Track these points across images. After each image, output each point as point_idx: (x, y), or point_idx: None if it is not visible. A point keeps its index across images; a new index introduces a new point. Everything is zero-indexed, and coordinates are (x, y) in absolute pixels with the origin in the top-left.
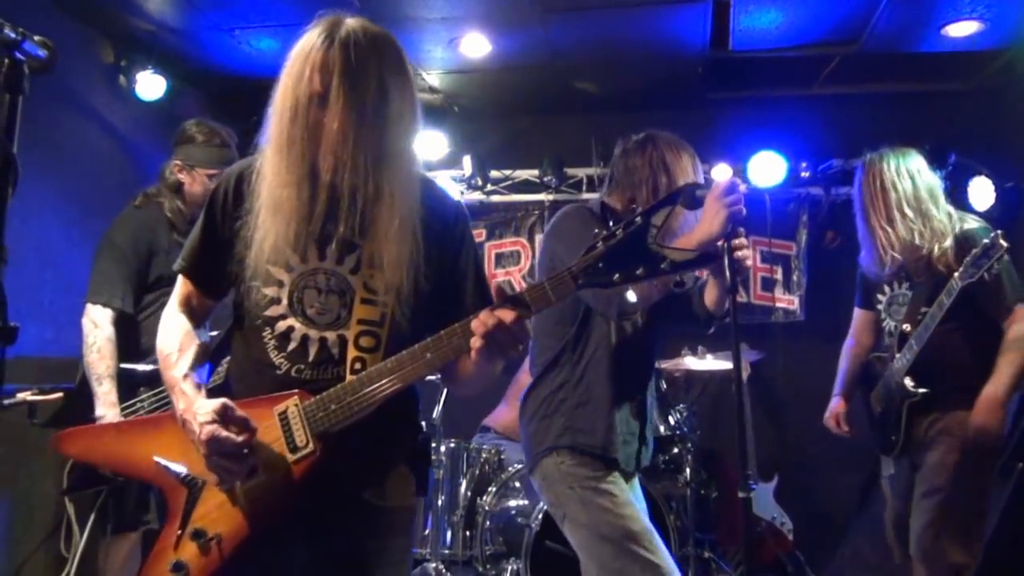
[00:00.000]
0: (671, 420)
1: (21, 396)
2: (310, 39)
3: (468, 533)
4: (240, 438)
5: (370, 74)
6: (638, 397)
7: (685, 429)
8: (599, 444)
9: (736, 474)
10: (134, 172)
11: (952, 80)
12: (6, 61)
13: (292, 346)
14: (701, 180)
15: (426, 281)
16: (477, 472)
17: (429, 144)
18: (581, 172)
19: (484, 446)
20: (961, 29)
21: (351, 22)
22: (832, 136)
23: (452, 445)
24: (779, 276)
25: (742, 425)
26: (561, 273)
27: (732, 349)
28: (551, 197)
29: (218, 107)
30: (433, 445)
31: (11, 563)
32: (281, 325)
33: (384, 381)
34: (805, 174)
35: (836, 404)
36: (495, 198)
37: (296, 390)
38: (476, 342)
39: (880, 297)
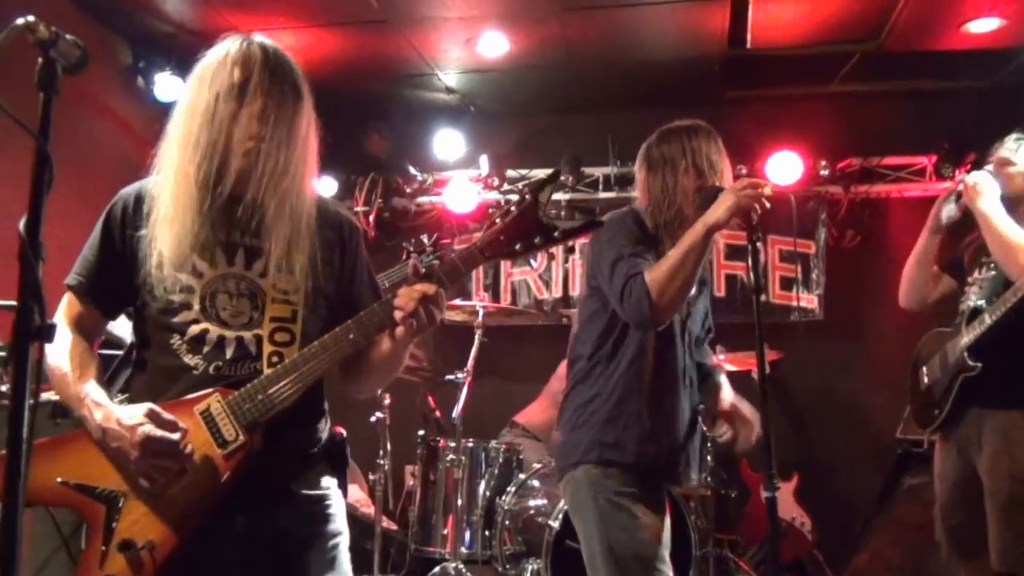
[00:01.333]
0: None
1: (45, 396)
2: (221, 47)
3: (488, 533)
4: (174, 435)
5: (288, 72)
6: (686, 408)
7: (706, 430)
8: (631, 461)
9: (755, 474)
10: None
11: (972, 78)
12: (39, 60)
13: (207, 348)
14: (724, 166)
15: (326, 282)
16: (496, 472)
17: (446, 144)
18: (598, 171)
19: (503, 446)
20: (982, 26)
21: (257, 39)
22: (851, 134)
23: (471, 445)
24: (798, 275)
25: (766, 424)
26: (469, 247)
27: (756, 350)
28: (567, 196)
29: None
30: (452, 444)
31: (34, 563)
32: (194, 329)
33: (312, 363)
34: (824, 173)
35: None
36: (512, 197)
37: (214, 388)
38: (399, 315)
39: (968, 279)
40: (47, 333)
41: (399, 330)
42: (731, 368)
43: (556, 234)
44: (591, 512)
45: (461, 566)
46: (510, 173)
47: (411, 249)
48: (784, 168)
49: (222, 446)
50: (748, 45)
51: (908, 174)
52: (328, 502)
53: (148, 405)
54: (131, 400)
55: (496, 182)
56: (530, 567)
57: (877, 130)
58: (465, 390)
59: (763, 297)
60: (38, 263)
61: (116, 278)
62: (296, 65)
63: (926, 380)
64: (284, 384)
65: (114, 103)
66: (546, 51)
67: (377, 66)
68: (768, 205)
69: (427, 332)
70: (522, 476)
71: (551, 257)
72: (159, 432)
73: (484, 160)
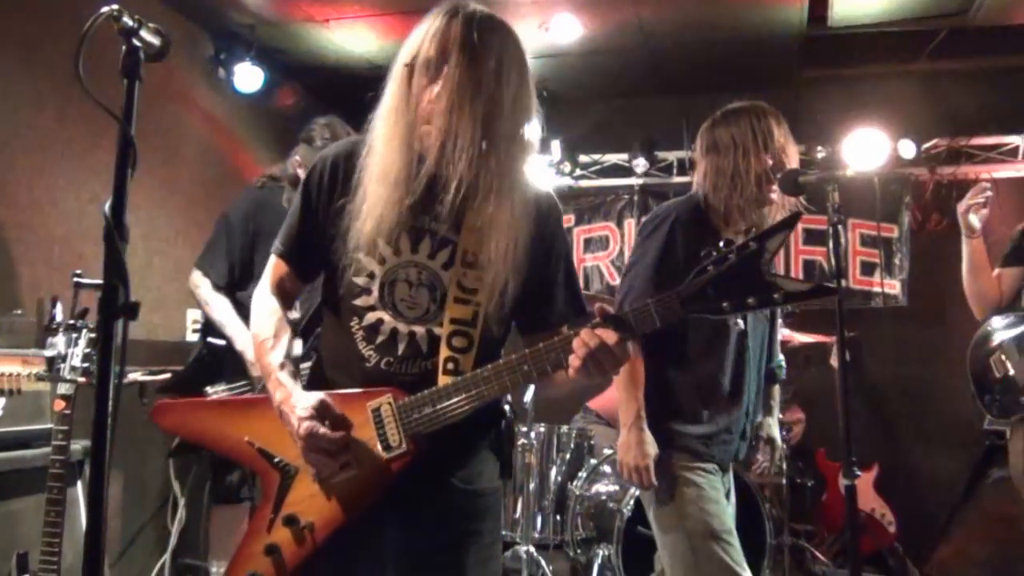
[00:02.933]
0: None
1: (132, 376)
2: (430, 17)
3: (559, 518)
4: (337, 435)
5: (491, 52)
6: (740, 398)
7: (781, 416)
8: (696, 448)
9: (831, 464)
10: (233, 163)
11: None
12: (123, 48)
13: (381, 339)
14: (791, 149)
15: (521, 282)
16: (568, 457)
17: None
18: (672, 155)
19: (574, 431)
20: None
21: (476, 6)
22: (937, 114)
23: (542, 430)
24: (880, 260)
25: (846, 411)
26: (669, 295)
27: (837, 338)
28: (640, 181)
29: (314, 98)
30: (524, 429)
31: (124, 537)
32: (370, 317)
33: (484, 388)
34: (908, 154)
35: None
36: (584, 183)
37: (389, 387)
38: (576, 361)
39: None
40: (131, 311)
41: (572, 373)
42: (806, 339)
43: (776, 296)
44: (663, 488)
45: (532, 550)
46: (582, 158)
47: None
48: (866, 149)
49: (386, 449)
50: (829, 23)
51: (998, 154)
52: (486, 497)
53: (321, 397)
54: (312, 374)
55: (568, 167)
56: (601, 552)
57: (965, 109)
58: None
59: (843, 283)
60: (123, 244)
61: (313, 242)
62: (510, 36)
63: (1000, 371)
64: (455, 401)
65: (196, 94)
66: (620, 34)
67: None
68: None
69: (610, 376)
70: (593, 461)
71: (624, 243)
72: (322, 430)
73: (556, 145)
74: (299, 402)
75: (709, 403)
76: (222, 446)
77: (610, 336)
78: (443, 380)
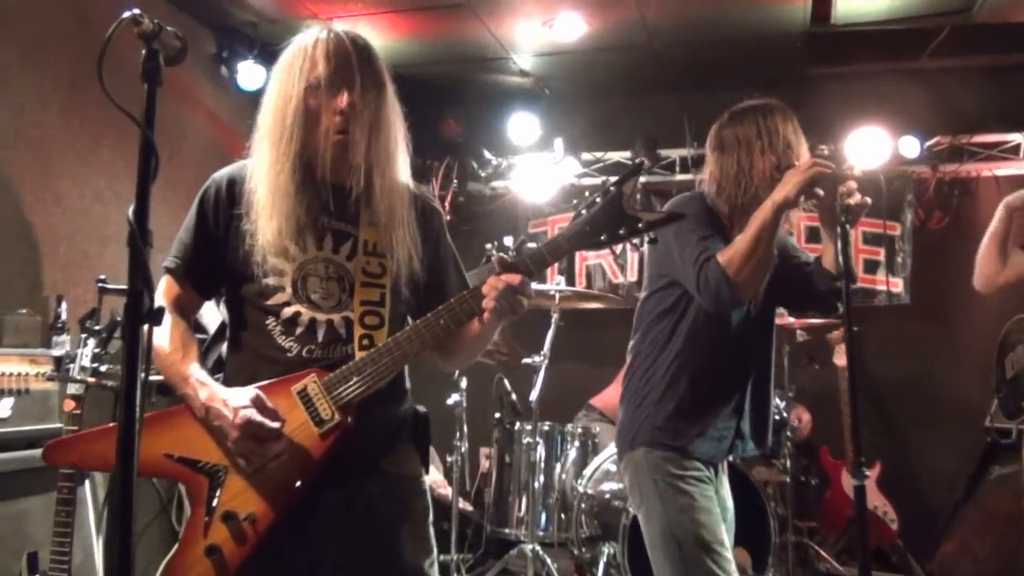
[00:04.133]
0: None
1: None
2: (304, 38)
3: (563, 516)
4: (275, 423)
5: (372, 61)
6: (735, 395)
7: (785, 415)
8: (679, 444)
9: (835, 461)
10: (236, 161)
11: None
12: (143, 52)
13: (300, 330)
14: (801, 145)
15: (415, 265)
16: (572, 455)
17: (521, 128)
18: (674, 153)
19: (579, 429)
20: None
21: (342, 29)
22: (939, 112)
23: (547, 428)
24: (882, 258)
25: (854, 412)
26: (555, 238)
27: (845, 337)
28: (643, 179)
29: None
30: (529, 427)
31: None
32: (287, 311)
33: (405, 347)
34: (911, 152)
35: None
36: (586, 180)
37: (311, 369)
38: (489, 303)
39: None
40: (156, 316)
41: (487, 316)
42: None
43: (640, 225)
44: (651, 494)
45: (538, 548)
46: (585, 156)
47: (494, 251)
48: (869, 147)
49: (318, 425)
50: (832, 21)
51: (1000, 152)
52: (416, 479)
53: (253, 390)
54: (227, 379)
55: (571, 165)
56: (606, 550)
57: (967, 107)
58: (541, 373)
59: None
60: (147, 249)
61: (212, 259)
62: (378, 54)
63: (1011, 372)
64: (378, 367)
65: (200, 92)
66: (624, 32)
67: (452, 51)
68: (854, 193)
69: (518, 316)
70: (598, 459)
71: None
72: (260, 417)
73: (559, 143)
74: (230, 395)
75: (703, 396)
76: (142, 469)
77: (513, 278)
78: (360, 354)
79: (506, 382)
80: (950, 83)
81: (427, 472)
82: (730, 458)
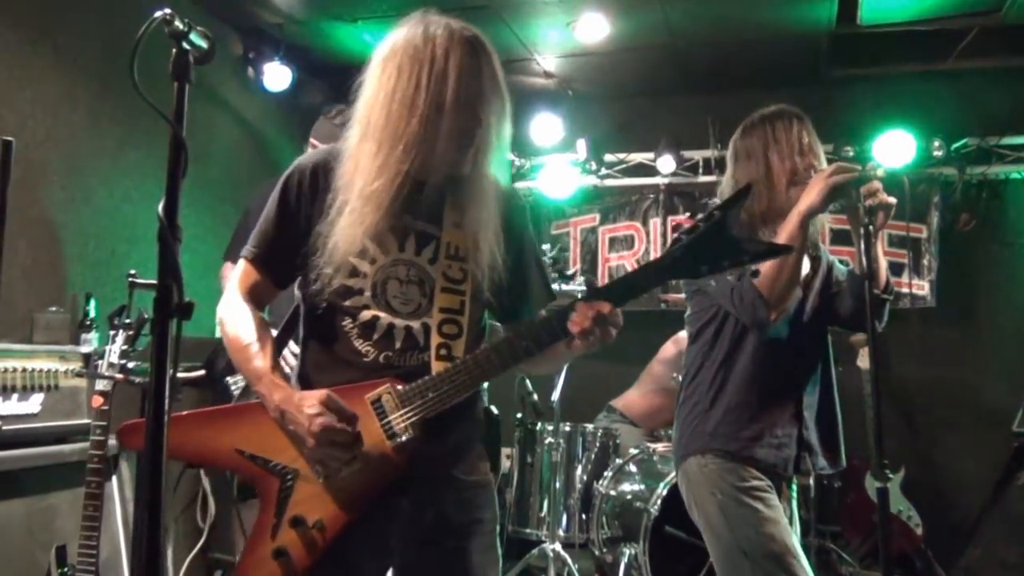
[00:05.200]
0: None
1: None
2: (428, 33)
3: (585, 516)
4: (349, 428)
5: (496, 68)
6: (789, 401)
7: None
8: (732, 449)
9: (858, 465)
10: (262, 161)
11: None
12: (173, 51)
13: (377, 335)
14: (812, 150)
15: (500, 268)
16: (593, 456)
17: (544, 129)
18: (697, 155)
19: (600, 430)
20: None
21: (462, 26)
22: (967, 114)
23: (568, 429)
24: (908, 260)
25: (878, 415)
26: (651, 265)
27: (868, 340)
28: (666, 180)
29: (342, 97)
30: (550, 428)
31: None
32: (365, 315)
33: (484, 368)
34: (937, 153)
35: None
36: (609, 182)
37: (386, 377)
38: (575, 330)
39: None
40: (185, 311)
41: (575, 344)
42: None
43: (746, 257)
44: (712, 508)
45: (559, 548)
46: (608, 157)
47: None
48: (895, 149)
49: (391, 438)
50: (858, 22)
51: None
52: (486, 488)
53: (327, 393)
54: (301, 376)
55: (594, 166)
56: (627, 551)
57: (996, 108)
58: (563, 374)
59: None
60: (177, 245)
61: (291, 250)
62: (495, 56)
63: None
64: (455, 384)
65: (226, 93)
66: (647, 33)
67: None
68: (878, 193)
69: (607, 345)
70: (619, 461)
71: (649, 242)
72: (338, 425)
73: (581, 144)
74: (305, 399)
75: (753, 400)
76: (205, 459)
77: (603, 306)
78: (437, 365)
79: (528, 383)
80: (978, 85)
81: (496, 473)
82: (799, 473)
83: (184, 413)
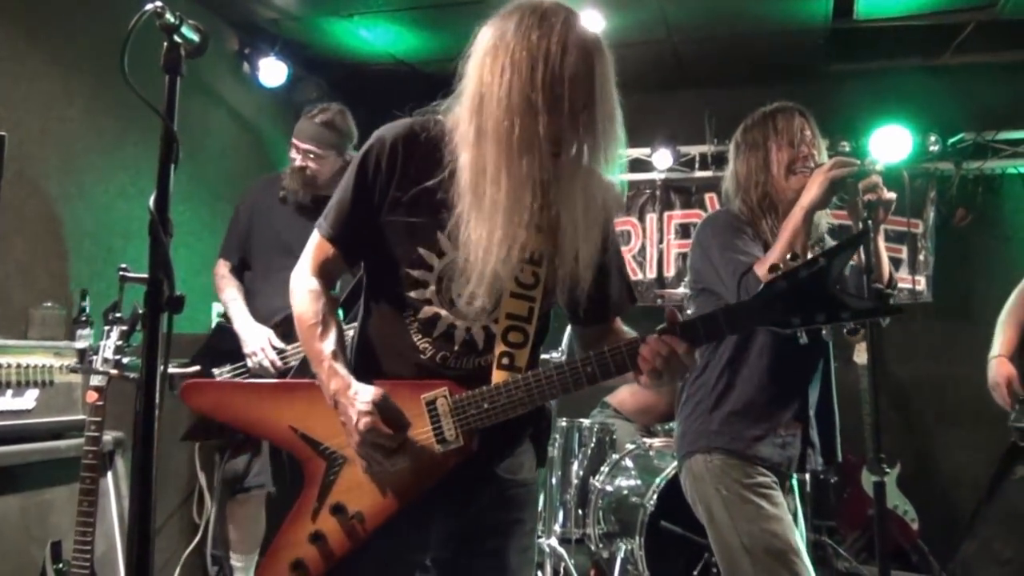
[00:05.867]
0: None
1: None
2: (538, 30)
3: (581, 512)
4: (396, 435)
5: (608, 69)
6: (794, 400)
7: None
8: (736, 448)
9: (854, 460)
10: (258, 157)
11: None
12: (165, 44)
13: (437, 332)
14: (819, 148)
15: (584, 270)
16: (590, 451)
17: None
18: (694, 150)
19: (596, 425)
20: None
21: (578, 22)
22: (964, 108)
23: (564, 424)
24: (904, 255)
25: (875, 408)
26: (738, 308)
27: (866, 335)
28: (663, 176)
29: (337, 92)
30: None
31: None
32: (427, 311)
33: (544, 389)
34: (934, 148)
35: (1007, 367)
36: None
37: (444, 381)
38: (645, 366)
39: None
40: (176, 305)
41: (642, 380)
42: None
43: (843, 314)
44: (717, 504)
45: (555, 544)
46: None
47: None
48: (891, 143)
49: (441, 443)
50: (854, 16)
51: None
52: (529, 485)
53: (381, 392)
54: (357, 361)
55: None
56: (624, 547)
57: (992, 103)
58: None
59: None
60: (168, 239)
61: (365, 228)
62: (608, 56)
63: None
64: (512, 400)
65: (222, 89)
66: (644, 28)
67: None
68: (878, 188)
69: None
70: (615, 456)
71: (645, 238)
72: (383, 427)
73: None
74: (359, 395)
75: (759, 399)
76: (259, 430)
77: (678, 345)
78: (497, 375)
79: None
80: (975, 79)
81: (543, 467)
82: (803, 472)
83: (247, 381)
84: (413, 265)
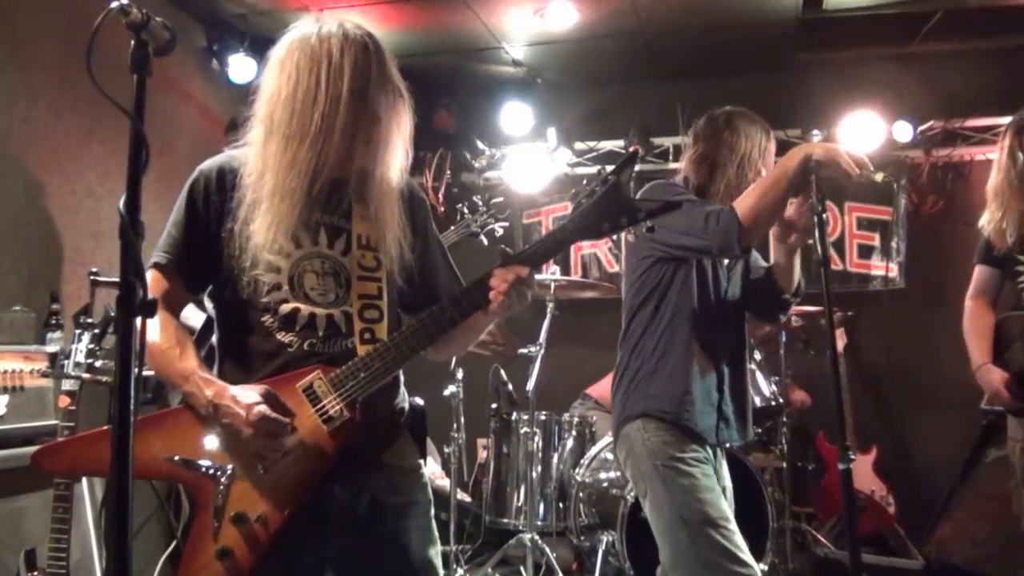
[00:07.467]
0: (766, 391)
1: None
2: (314, 29)
3: (561, 505)
4: (287, 418)
5: (388, 64)
6: (718, 368)
7: (781, 400)
8: (672, 410)
9: (831, 447)
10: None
11: None
12: (131, 43)
13: (299, 325)
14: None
15: (409, 255)
16: (570, 444)
17: (513, 118)
18: (668, 141)
19: (575, 418)
20: None
21: (355, 25)
22: (932, 97)
23: (544, 417)
24: (876, 243)
25: (839, 395)
26: (560, 229)
27: (827, 323)
28: (637, 167)
29: None
30: (526, 417)
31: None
32: (285, 308)
33: (412, 341)
34: (903, 137)
35: (996, 372)
36: (580, 170)
37: (315, 365)
38: (494, 295)
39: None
40: (149, 309)
41: (492, 308)
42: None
43: (640, 214)
44: (654, 479)
45: (536, 537)
46: (578, 145)
47: (465, 210)
48: (862, 132)
49: (327, 422)
50: (824, 6)
51: (993, 135)
52: (417, 471)
53: (263, 386)
54: (223, 378)
55: (564, 154)
56: (604, 539)
57: (961, 91)
58: (538, 363)
59: (840, 266)
60: (139, 241)
61: (202, 254)
62: (388, 54)
63: (1013, 369)
64: (385, 362)
65: (191, 85)
66: (615, 20)
67: (444, 41)
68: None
69: (523, 308)
70: (595, 448)
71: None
72: (273, 413)
73: (552, 133)
74: (240, 391)
75: (692, 364)
76: (143, 472)
77: (520, 269)
78: (362, 349)
79: (502, 372)
80: (943, 67)
81: (424, 463)
82: (718, 444)
83: (100, 430)
84: (263, 271)
